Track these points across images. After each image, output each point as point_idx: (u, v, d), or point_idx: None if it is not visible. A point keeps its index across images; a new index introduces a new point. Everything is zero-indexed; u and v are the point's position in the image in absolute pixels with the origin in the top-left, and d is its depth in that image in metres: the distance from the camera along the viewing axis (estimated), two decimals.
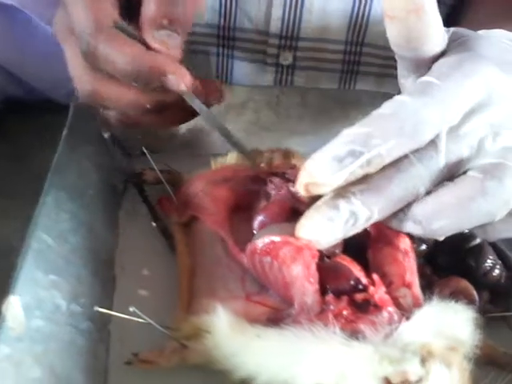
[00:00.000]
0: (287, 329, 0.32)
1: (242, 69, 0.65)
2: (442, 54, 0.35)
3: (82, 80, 0.41)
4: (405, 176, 0.31)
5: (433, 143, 0.31)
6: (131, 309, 0.32)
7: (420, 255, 0.38)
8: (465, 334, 0.32)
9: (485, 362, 0.35)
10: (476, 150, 0.32)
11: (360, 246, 0.37)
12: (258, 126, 0.58)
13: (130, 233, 0.46)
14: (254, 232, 0.41)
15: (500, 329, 0.39)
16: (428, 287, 0.36)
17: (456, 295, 0.36)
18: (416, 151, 0.31)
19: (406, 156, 0.31)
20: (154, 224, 0.45)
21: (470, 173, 0.32)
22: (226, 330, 0.33)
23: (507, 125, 0.33)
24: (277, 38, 0.63)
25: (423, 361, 0.29)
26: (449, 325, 0.32)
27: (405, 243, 0.35)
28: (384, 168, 0.31)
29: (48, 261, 0.36)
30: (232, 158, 0.50)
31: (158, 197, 0.48)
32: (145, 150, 0.51)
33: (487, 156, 0.32)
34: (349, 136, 0.30)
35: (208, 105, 0.43)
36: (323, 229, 0.31)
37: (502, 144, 0.32)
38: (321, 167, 0.30)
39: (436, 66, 0.34)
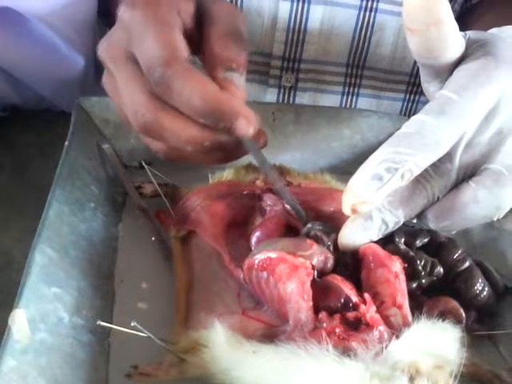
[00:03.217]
0: (282, 345, 0.33)
1: None
2: (462, 57, 0.38)
3: (141, 107, 0.40)
4: (424, 187, 0.37)
5: (448, 155, 0.36)
6: (133, 323, 0.33)
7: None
8: (452, 352, 0.34)
9: (470, 380, 0.36)
10: (486, 155, 0.37)
11: (353, 267, 0.38)
12: None
13: (129, 246, 0.46)
14: (252, 248, 0.42)
15: (485, 347, 0.41)
16: (417, 307, 0.37)
17: (444, 314, 0.37)
18: (433, 164, 0.36)
19: (425, 169, 0.36)
20: (153, 238, 0.46)
21: (469, 181, 0.37)
22: (223, 345, 0.34)
23: None
24: (279, 60, 0.65)
25: (411, 379, 0.31)
26: (436, 344, 0.34)
27: (396, 266, 0.37)
28: None
29: (51, 274, 0.37)
30: (229, 173, 0.51)
31: (157, 210, 0.49)
32: (143, 163, 0.52)
33: (492, 162, 0.37)
34: (381, 155, 0.35)
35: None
36: (361, 236, 0.38)
37: (507, 150, 0.37)
38: (365, 187, 0.34)
39: (454, 76, 0.37)
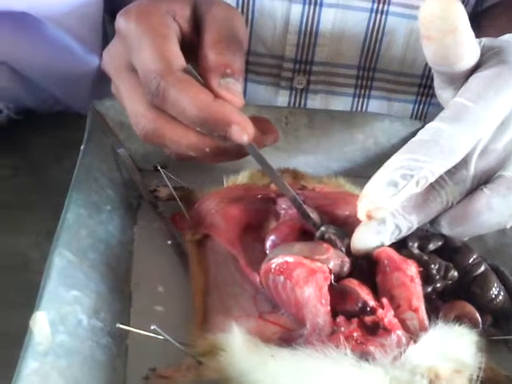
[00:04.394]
0: (300, 349, 0.33)
1: (256, 91, 0.67)
2: (477, 65, 0.38)
3: (142, 117, 0.41)
4: (438, 193, 0.38)
5: (464, 162, 0.37)
6: (152, 327, 0.33)
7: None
8: (469, 356, 0.34)
9: None
10: (501, 163, 0.37)
11: (370, 270, 0.39)
12: None
13: (145, 249, 0.47)
14: (267, 252, 0.42)
15: (502, 352, 0.41)
16: (433, 311, 0.37)
17: (460, 318, 0.37)
18: (449, 170, 0.36)
19: (440, 176, 0.36)
20: (168, 242, 0.46)
21: (483, 188, 0.37)
22: (240, 349, 0.34)
23: None
24: (291, 63, 0.65)
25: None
26: (454, 348, 0.33)
27: (411, 270, 0.37)
28: None
29: (70, 277, 0.37)
30: (244, 176, 0.52)
31: (172, 213, 0.50)
32: (158, 167, 0.52)
33: (507, 169, 0.37)
34: (397, 162, 0.35)
35: (263, 145, 0.45)
36: (373, 240, 0.38)
37: None
38: (380, 193, 0.35)
39: (469, 84, 0.37)
